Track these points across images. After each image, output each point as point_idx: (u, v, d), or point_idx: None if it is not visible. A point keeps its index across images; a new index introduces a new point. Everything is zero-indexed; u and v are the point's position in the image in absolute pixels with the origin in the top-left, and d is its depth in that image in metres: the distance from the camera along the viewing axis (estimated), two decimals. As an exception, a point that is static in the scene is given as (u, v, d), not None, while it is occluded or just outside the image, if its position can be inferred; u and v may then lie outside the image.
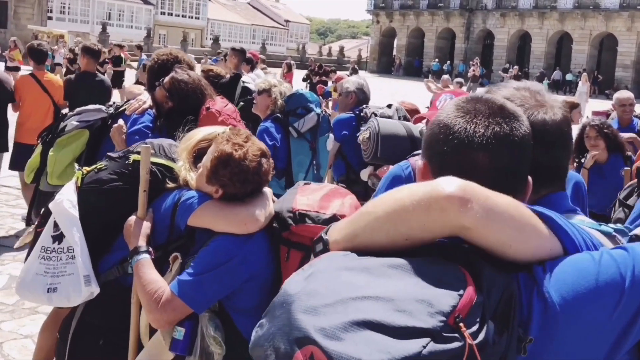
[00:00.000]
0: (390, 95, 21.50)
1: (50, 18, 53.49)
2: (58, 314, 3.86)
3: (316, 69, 23.31)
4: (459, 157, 1.16)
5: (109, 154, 2.60)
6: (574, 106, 7.34)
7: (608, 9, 46.72)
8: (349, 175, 4.94)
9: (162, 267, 2.27)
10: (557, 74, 47.00)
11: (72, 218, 2.40)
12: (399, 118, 4.83)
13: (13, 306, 5.17)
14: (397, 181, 2.70)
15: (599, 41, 48.44)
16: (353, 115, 4.97)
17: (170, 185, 2.40)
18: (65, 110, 7.63)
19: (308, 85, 21.79)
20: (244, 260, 2.21)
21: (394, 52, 61.70)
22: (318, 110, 4.77)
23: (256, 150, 2.28)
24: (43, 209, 2.59)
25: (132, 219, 2.36)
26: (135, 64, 19.42)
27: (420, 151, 2.94)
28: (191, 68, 3.74)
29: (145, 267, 2.24)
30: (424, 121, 2.81)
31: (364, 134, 3.35)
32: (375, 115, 4.81)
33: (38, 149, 3.71)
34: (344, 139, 4.90)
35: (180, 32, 55.26)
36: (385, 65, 59.09)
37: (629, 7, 45.45)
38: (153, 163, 2.40)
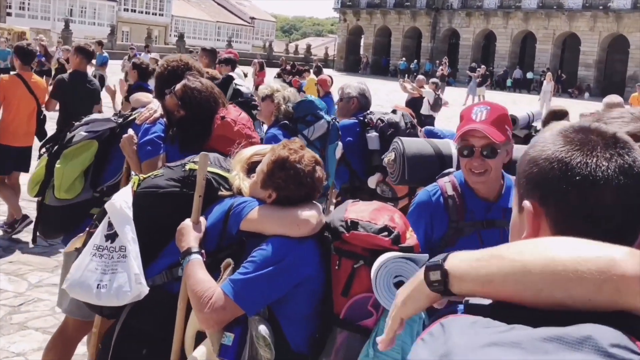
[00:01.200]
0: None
1: (9, 14, 52.18)
2: (62, 332, 3.68)
3: (288, 67, 23.09)
4: (584, 196, 1.04)
5: (165, 164, 2.72)
6: (563, 114, 7.22)
7: (571, 9, 47.58)
8: (352, 183, 4.83)
9: (212, 274, 2.28)
10: (517, 73, 47.71)
11: (126, 217, 2.46)
12: (406, 124, 4.76)
13: (0, 321, 4.93)
14: (424, 209, 2.68)
15: (562, 41, 49.32)
16: (357, 121, 4.87)
17: (224, 193, 2.49)
18: (45, 112, 7.45)
19: (279, 84, 21.59)
20: (295, 263, 2.24)
21: (361, 51, 61.89)
22: (328, 118, 4.65)
23: (311, 157, 2.38)
24: (99, 210, 2.65)
25: (186, 222, 2.41)
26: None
27: (450, 170, 2.86)
28: (201, 75, 3.58)
29: (196, 266, 2.27)
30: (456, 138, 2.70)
31: (389, 156, 3.11)
32: (382, 121, 4.73)
33: (43, 161, 3.56)
34: (348, 146, 4.80)
35: (144, 29, 54.39)
36: (352, 63, 59.18)
37: (592, 8, 46.38)
38: (209, 171, 2.49)
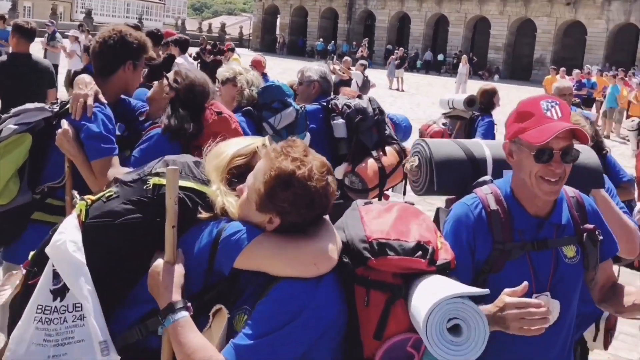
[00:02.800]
0: (280, 74, 21.06)
1: None
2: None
3: (209, 47, 22.29)
4: None
5: (118, 177, 2.05)
6: (493, 92, 7.26)
7: (482, -7, 48.87)
8: (317, 173, 4.53)
9: (196, 321, 1.81)
10: (428, 55, 48.55)
11: (77, 265, 1.86)
12: (373, 110, 4.51)
13: None
14: (465, 226, 2.21)
15: (473, 24, 50.57)
16: (319, 106, 4.56)
17: (204, 215, 1.91)
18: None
19: (199, 65, 20.80)
20: (316, 313, 1.77)
21: (277, 31, 61.15)
22: (297, 106, 4.30)
23: (321, 166, 1.85)
24: (33, 253, 2.03)
25: (159, 264, 1.86)
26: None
27: (486, 178, 2.36)
28: (144, 48, 3.22)
29: (186, 329, 1.77)
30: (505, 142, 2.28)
31: (411, 162, 2.58)
32: (349, 107, 4.44)
33: None
34: (311, 133, 4.49)
35: (49, 5, 51.49)
36: (268, 43, 58.40)
37: (501, -8, 47.78)
38: (181, 188, 1.90)
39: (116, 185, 2.02)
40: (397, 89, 30.43)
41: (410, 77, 36.69)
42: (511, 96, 31.48)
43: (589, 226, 2.24)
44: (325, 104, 4.54)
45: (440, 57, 48.57)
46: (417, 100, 26.07)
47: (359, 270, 1.85)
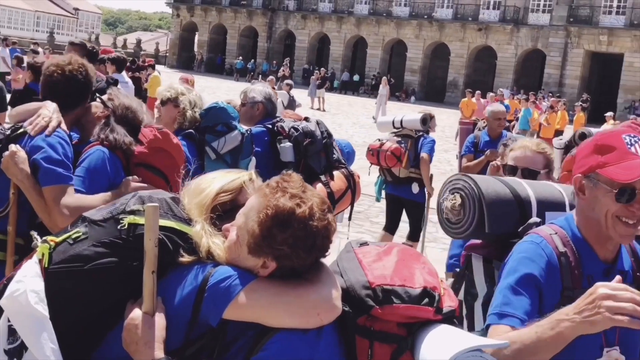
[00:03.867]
0: (199, 92, 20.66)
1: None
2: None
3: (127, 64, 21.55)
4: None
5: (85, 215, 1.77)
6: (432, 116, 7.41)
7: (399, 17, 50.09)
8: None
9: None
10: (345, 75, 49.32)
11: (39, 319, 1.59)
12: (322, 133, 4.37)
13: None
14: (537, 264, 1.96)
15: (390, 46, 51.81)
16: (264, 129, 4.37)
17: (187, 258, 1.68)
18: None
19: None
20: None
21: (195, 48, 60.43)
22: (242, 129, 4.07)
23: (321, 203, 1.66)
24: None
25: (137, 315, 1.63)
26: None
27: (536, 220, 2.11)
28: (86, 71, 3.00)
29: None
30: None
31: (452, 200, 2.25)
32: (296, 130, 4.28)
33: None
34: (256, 157, 4.29)
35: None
36: (185, 60, 57.61)
37: (417, 17, 49.14)
38: (160, 228, 1.67)
39: (84, 225, 1.75)
40: (319, 109, 30.60)
41: (331, 97, 37.08)
42: (429, 117, 32.67)
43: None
44: (270, 126, 4.36)
45: (356, 77, 49.40)
46: (339, 121, 26.30)
47: (360, 320, 1.68)
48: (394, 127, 7.07)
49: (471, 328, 2.21)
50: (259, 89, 4.59)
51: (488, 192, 2.20)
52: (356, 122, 27.13)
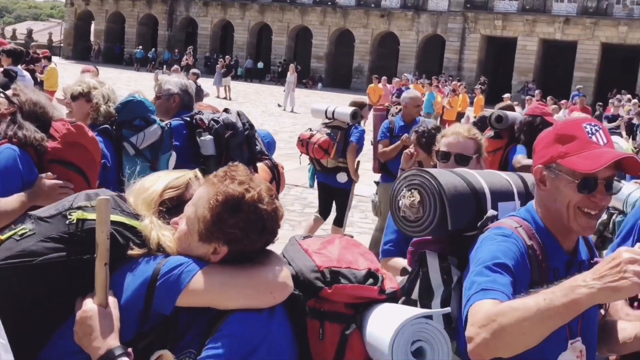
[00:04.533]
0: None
1: None
2: None
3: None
4: None
5: (31, 213, 1.81)
6: (363, 105, 7.64)
7: (303, 3, 50.07)
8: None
9: None
10: (249, 63, 48.86)
11: None
12: (243, 125, 4.24)
13: None
14: (517, 248, 1.91)
15: (295, 33, 51.75)
16: (182, 121, 4.20)
17: (137, 251, 1.74)
18: None
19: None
20: (273, 347, 1.66)
21: (92, 37, 57.95)
22: (162, 123, 3.88)
23: (268, 189, 1.78)
24: None
25: (89, 307, 1.64)
26: None
27: (494, 213, 2.03)
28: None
29: None
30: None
31: (410, 197, 2.14)
32: (216, 122, 4.12)
33: None
34: (175, 151, 4.11)
35: None
36: (82, 50, 55.11)
37: (321, 3, 49.29)
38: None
39: (30, 222, 1.76)
40: (225, 98, 30.14)
41: (236, 85, 36.62)
42: (335, 102, 32.80)
43: (600, 260, 2.03)
44: (188, 119, 4.19)
45: (260, 64, 49.05)
46: (247, 109, 25.92)
47: (310, 302, 1.77)
48: (327, 117, 7.22)
49: None
50: (174, 80, 4.41)
51: (448, 187, 2.11)
52: (265, 110, 26.95)
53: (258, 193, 1.71)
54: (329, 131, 7.13)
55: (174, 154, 3.95)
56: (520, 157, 5.71)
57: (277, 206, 1.76)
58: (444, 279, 2.08)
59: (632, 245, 2.42)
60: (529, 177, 2.24)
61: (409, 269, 2.17)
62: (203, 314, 1.67)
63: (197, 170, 2.00)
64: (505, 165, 5.76)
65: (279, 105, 28.46)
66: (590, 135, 1.93)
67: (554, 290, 1.62)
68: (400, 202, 2.18)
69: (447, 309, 1.84)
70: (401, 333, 1.65)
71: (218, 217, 1.67)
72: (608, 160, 1.85)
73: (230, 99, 30.25)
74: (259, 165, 4.27)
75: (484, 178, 2.23)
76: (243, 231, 1.68)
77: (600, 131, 1.95)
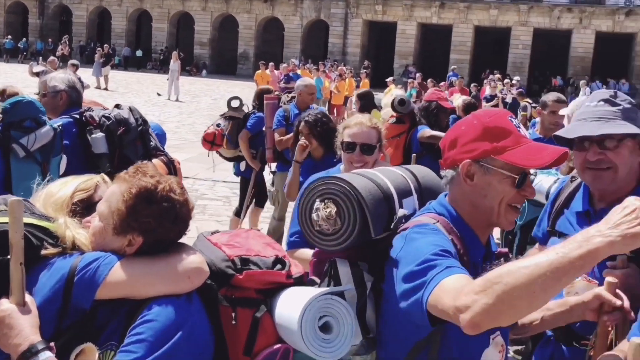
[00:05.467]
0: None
1: None
2: None
3: None
4: None
5: None
6: (268, 90, 7.76)
7: (178, -12, 48.86)
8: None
9: None
10: (126, 51, 47.18)
11: None
12: (136, 120, 4.11)
13: None
14: (444, 238, 1.88)
15: (177, 20, 50.44)
16: (71, 119, 4.01)
17: (51, 250, 1.78)
18: None
19: None
20: (192, 331, 1.71)
21: (-48, 27, 53.66)
22: (54, 124, 3.68)
23: (178, 183, 1.86)
24: None
25: (6, 308, 1.65)
26: None
27: (406, 211, 1.99)
28: None
29: None
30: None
31: (326, 209, 1.99)
32: (108, 119, 3.98)
33: None
34: (64, 151, 3.92)
35: None
36: (-57, 41, 50.89)
37: (199, -12, 48.35)
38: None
39: None
40: (105, 89, 28.91)
41: (117, 74, 35.26)
42: (221, 90, 32.52)
43: (504, 250, 2.10)
44: (78, 116, 4.01)
45: (138, 52, 47.46)
46: (130, 100, 25.08)
47: (222, 290, 1.83)
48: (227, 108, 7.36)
49: None
50: (60, 76, 4.20)
51: (364, 192, 1.99)
52: (148, 100, 26.15)
53: (169, 185, 1.79)
54: (219, 122, 7.26)
55: (64, 157, 3.79)
56: (426, 130, 6.00)
57: (188, 198, 1.84)
58: (358, 286, 1.97)
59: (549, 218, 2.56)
60: (417, 169, 2.28)
61: (316, 280, 2.09)
62: (121, 305, 1.71)
63: (103, 174, 2.06)
64: (409, 147, 6.00)
65: (159, 94, 27.67)
66: (518, 128, 1.93)
67: (565, 245, 1.53)
68: (314, 215, 2.02)
69: (349, 286, 1.92)
70: (309, 309, 1.74)
71: (133, 208, 1.73)
72: (554, 155, 1.86)
73: (107, 89, 29.02)
74: (155, 161, 4.15)
75: (386, 177, 2.15)
76: (157, 220, 1.74)
77: (520, 123, 1.99)
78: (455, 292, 1.63)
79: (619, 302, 1.94)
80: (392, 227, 2.01)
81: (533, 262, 1.53)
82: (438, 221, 1.93)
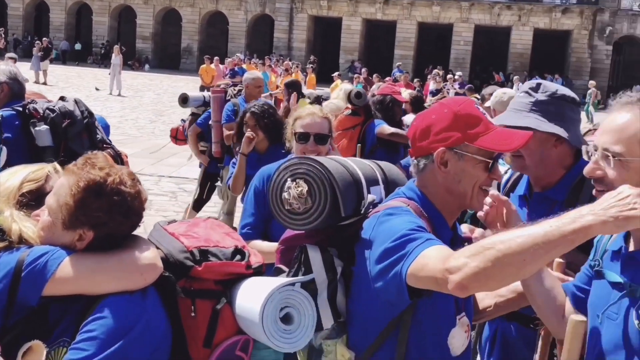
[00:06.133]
0: None
1: None
2: None
3: None
4: None
5: None
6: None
7: (121, -18, 47.79)
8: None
9: None
10: (64, 44, 45.83)
11: None
12: (82, 112, 4.04)
13: None
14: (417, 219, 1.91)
15: (118, 13, 49.33)
16: (14, 112, 3.90)
17: None
18: None
19: None
20: (148, 327, 1.68)
21: None
22: None
23: (129, 174, 1.80)
24: None
25: None
26: None
27: (375, 197, 2.03)
28: None
29: None
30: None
31: (297, 188, 2.01)
32: (52, 111, 3.89)
33: None
34: (7, 144, 3.82)
35: None
36: None
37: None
38: None
39: None
40: (44, 83, 28.06)
41: (56, 69, 34.28)
42: (164, 85, 32.02)
43: (468, 235, 2.19)
44: (20, 109, 3.90)
45: (77, 46, 46.20)
46: (70, 95, 24.36)
47: (180, 282, 1.80)
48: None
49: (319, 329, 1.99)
50: (1, 68, 4.05)
51: (335, 173, 2.03)
52: (89, 94, 25.47)
53: (120, 177, 1.72)
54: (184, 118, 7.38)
55: (4, 149, 3.67)
56: (385, 127, 6.06)
57: (140, 189, 1.78)
58: (328, 274, 1.98)
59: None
60: (381, 163, 2.32)
61: (284, 268, 2.08)
62: (74, 302, 1.66)
63: (55, 163, 1.97)
64: (363, 140, 6.04)
65: (97, 89, 27.02)
66: (485, 115, 1.99)
67: (559, 219, 1.57)
68: (285, 194, 2.04)
69: (311, 276, 1.91)
70: (270, 301, 1.73)
71: (81, 202, 1.67)
72: (523, 138, 1.96)
73: (46, 83, 28.17)
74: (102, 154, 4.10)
75: (355, 164, 2.20)
76: (108, 214, 1.69)
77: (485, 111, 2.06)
78: (443, 257, 1.67)
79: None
80: (362, 211, 2.04)
81: (526, 232, 1.58)
82: (409, 205, 1.96)
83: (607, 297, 1.79)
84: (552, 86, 2.57)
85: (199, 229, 1.93)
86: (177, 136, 7.34)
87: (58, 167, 1.94)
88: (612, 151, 1.78)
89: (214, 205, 8.15)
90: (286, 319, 1.79)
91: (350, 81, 25.32)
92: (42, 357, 1.56)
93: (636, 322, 1.71)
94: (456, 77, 27.17)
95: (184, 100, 7.09)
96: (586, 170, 1.87)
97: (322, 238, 2.05)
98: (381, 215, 1.94)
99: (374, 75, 24.73)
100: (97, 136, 4.12)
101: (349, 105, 6.06)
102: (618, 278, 1.78)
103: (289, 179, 2.06)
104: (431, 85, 23.22)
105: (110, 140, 4.40)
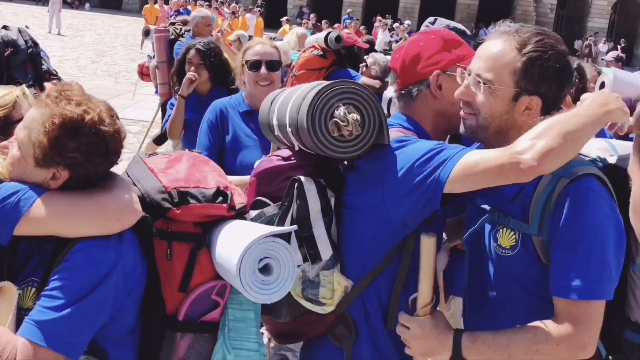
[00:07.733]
0: None
1: None
2: None
3: None
4: None
5: None
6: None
7: None
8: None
9: None
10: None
11: None
12: (26, 42, 3.93)
13: None
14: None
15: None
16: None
17: None
18: None
19: None
20: (124, 271, 1.63)
21: None
22: None
23: (108, 109, 1.68)
24: None
25: None
26: None
27: None
28: None
29: None
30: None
31: (351, 113, 1.87)
32: None
33: None
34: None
35: None
36: None
37: None
38: None
39: None
40: (-22, 20, 26.69)
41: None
42: (106, 25, 30.91)
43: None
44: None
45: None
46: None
47: (157, 223, 1.74)
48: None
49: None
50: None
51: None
52: (38, 34, 24.40)
53: (98, 114, 1.61)
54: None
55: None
56: (364, 78, 5.96)
57: (119, 126, 1.67)
58: (322, 204, 1.90)
59: None
60: None
61: (267, 201, 1.98)
62: (46, 242, 1.59)
63: (24, 86, 1.85)
64: None
65: (27, 27, 25.88)
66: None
67: (589, 106, 1.73)
68: (337, 120, 1.85)
69: (294, 227, 1.81)
70: (249, 253, 1.66)
71: (56, 141, 1.56)
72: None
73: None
74: (47, 85, 4.00)
75: None
76: (85, 155, 1.59)
77: None
78: (501, 149, 1.70)
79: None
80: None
81: (571, 114, 1.71)
82: (409, 134, 1.96)
83: (474, 222, 1.87)
84: (445, 20, 3.03)
85: (180, 166, 1.84)
86: (143, 71, 7.24)
87: (27, 91, 1.84)
88: (484, 78, 1.80)
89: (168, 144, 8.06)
90: (265, 270, 1.72)
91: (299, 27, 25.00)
92: (13, 298, 1.51)
93: (494, 245, 1.79)
94: (405, 26, 27.15)
95: (146, 33, 7.21)
96: (457, 93, 1.88)
97: (311, 170, 1.97)
98: (391, 144, 1.88)
99: (323, 22, 24.47)
100: (42, 67, 4.03)
101: (317, 45, 5.95)
102: (484, 204, 1.84)
103: (341, 105, 1.86)
104: (379, 33, 23.16)
105: (56, 71, 4.30)
